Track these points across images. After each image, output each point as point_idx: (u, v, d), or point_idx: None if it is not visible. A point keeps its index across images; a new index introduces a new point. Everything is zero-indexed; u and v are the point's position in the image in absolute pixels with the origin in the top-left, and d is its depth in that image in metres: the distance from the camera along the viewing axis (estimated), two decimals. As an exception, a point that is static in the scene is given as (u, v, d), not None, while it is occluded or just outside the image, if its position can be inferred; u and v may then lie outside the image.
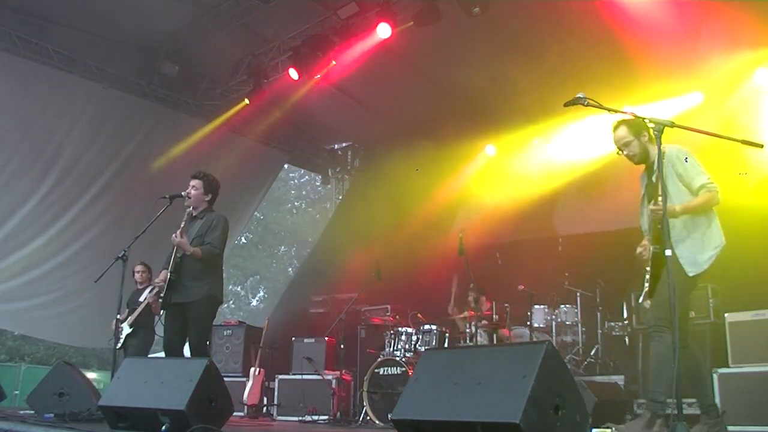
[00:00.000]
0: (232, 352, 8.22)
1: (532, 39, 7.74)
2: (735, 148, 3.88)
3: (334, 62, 8.26)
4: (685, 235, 3.93)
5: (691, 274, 3.87)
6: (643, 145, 4.13)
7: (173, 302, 5.02)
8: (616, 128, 4.23)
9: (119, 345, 6.76)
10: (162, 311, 5.15)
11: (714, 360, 5.60)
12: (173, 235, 4.98)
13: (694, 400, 4.13)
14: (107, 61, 8.76)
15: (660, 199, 3.65)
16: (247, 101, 9.21)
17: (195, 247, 5.00)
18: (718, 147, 4.68)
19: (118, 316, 6.12)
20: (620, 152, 4.21)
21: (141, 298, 7.04)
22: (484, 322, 7.14)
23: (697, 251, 3.91)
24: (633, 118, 4.07)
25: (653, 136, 3.81)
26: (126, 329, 6.93)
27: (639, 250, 4.11)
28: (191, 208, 5.27)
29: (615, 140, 4.23)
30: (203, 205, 5.29)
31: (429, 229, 9.62)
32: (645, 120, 3.56)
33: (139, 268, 7.25)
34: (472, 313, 7.05)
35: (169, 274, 5.03)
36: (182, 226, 5.07)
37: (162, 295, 5.06)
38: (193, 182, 5.28)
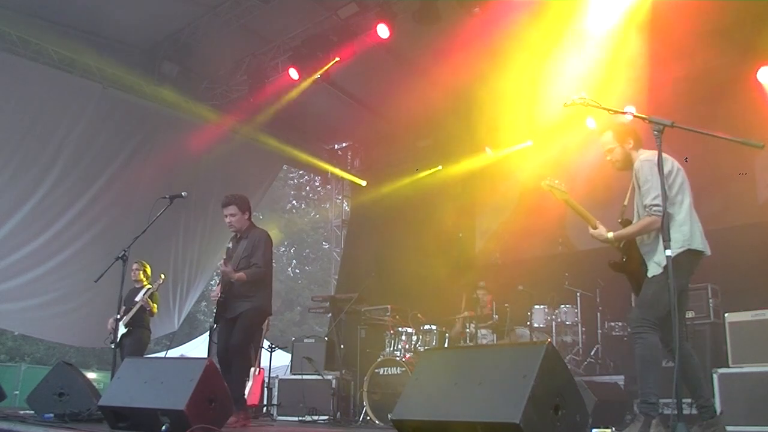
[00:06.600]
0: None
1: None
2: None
3: (337, 59, 8.26)
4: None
5: (650, 275, 3.93)
6: (625, 152, 4.14)
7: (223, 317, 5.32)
8: (602, 132, 4.26)
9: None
10: (215, 324, 5.46)
11: (714, 360, 5.60)
12: (219, 264, 5.17)
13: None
14: (107, 61, 8.75)
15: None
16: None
17: (240, 272, 5.16)
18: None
19: (117, 316, 6.12)
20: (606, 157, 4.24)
21: (137, 298, 7.03)
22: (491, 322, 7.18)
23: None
24: (620, 124, 4.13)
25: (640, 143, 3.98)
26: (122, 329, 6.91)
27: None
28: (235, 233, 5.44)
29: (601, 144, 4.27)
30: (245, 225, 5.42)
31: (429, 229, 9.61)
32: (646, 120, 3.54)
33: (135, 266, 7.24)
34: (472, 313, 7.06)
35: (220, 294, 5.25)
36: (224, 258, 5.27)
37: (215, 312, 5.32)
38: (228, 210, 5.36)
